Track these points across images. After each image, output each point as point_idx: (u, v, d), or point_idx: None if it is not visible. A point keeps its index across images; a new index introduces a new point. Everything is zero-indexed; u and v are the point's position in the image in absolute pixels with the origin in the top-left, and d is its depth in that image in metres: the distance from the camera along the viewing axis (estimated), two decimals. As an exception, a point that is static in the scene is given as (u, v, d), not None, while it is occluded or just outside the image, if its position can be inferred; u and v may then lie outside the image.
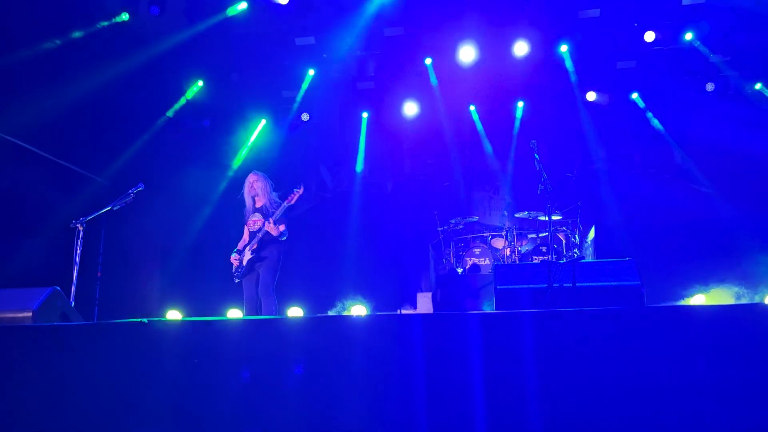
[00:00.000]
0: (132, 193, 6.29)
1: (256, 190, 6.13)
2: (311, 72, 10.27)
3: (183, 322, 3.21)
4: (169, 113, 9.96)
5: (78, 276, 5.67)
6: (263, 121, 11.08)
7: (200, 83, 10.18)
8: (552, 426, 2.39)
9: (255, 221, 6.09)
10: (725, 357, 2.52)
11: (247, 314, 5.98)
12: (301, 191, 6.08)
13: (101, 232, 9.33)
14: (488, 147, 11.59)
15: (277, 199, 6.13)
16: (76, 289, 5.61)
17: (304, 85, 10.34)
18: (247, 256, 6.00)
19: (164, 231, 9.66)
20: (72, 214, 6.07)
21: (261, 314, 5.93)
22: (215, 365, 2.84)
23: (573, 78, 10.53)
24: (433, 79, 10.29)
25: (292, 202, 6.07)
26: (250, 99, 10.64)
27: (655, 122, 10.83)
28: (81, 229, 5.85)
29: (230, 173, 10.33)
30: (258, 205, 6.15)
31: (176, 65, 9.69)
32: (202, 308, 8.80)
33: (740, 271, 7.78)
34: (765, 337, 2.53)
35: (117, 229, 9.20)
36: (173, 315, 8.86)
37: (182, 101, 10.09)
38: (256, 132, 10.88)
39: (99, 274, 9.31)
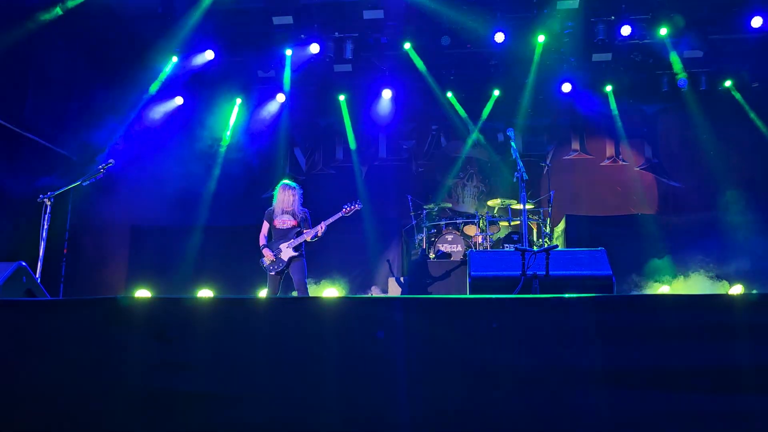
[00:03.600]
0: (102, 168, 6.13)
1: (296, 202, 6.62)
2: (288, 52, 10.12)
3: (154, 300, 3.16)
4: (153, 89, 9.78)
5: (44, 252, 5.53)
6: (239, 101, 10.94)
7: (174, 59, 9.96)
8: (526, 412, 2.42)
9: (285, 221, 6.55)
10: (689, 345, 2.55)
11: None
12: (359, 207, 6.68)
13: (69, 208, 9.17)
14: (462, 134, 11.62)
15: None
16: (43, 265, 5.47)
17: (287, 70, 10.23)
18: (287, 252, 6.44)
19: (134, 208, 9.48)
20: (39, 188, 5.90)
21: None
22: (187, 345, 2.80)
23: (549, 68, 10.62)
24: (419, 63, 10.24)
25: (348, 214, 6.63)
26: (225, 77, 10.47)
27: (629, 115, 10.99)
28: (48, 203, 5.70)
29: (205, 150, 10.18)
30: (288, 208, 6.60)
31: (150, 41, 9.46)
32: (171, 288, 8.71)
33: (708, 262, 7.97)
34: (728, 327, 2.56)
35: (85, 205, 9.05)
36: (142, 294, 8.74)
37: (159, 79, 9.88)
38: (234, 114, 10.73)
39: (65, 251, 9.16)
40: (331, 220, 6.52)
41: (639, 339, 2.53)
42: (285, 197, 6.62)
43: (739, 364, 2.50)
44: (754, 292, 7.29)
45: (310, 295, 6.61)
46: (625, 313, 2.53)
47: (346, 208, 6.62)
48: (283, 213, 6.59)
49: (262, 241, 6.64)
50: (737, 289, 7.59)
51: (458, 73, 10.90)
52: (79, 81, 9.14)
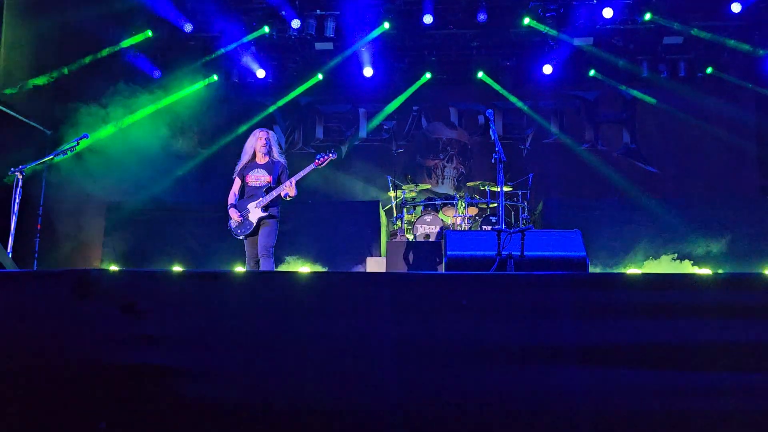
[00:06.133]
0: (76, 142, 5.99)
1: (270, 146, 5.84)
2: (266, 29, 10.00)
3: (124, 273, 3.13)
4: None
5: (16, 227, 5.42)
6: (215, 77, 10.83)
7: (149, 33, 9.79)
8: (498, 390, 2.44)
9: (258, 176, 5.78)
10: (654, 323, 2.57)
11: None
12: (333, 158, 5.89)
13: (42, 183, 9.01)
14: (443, 115, 11.63)
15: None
16: (14, 240, 5.37)
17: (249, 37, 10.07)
18: (256, 213, 5.69)
19: (109, 184, 9.33)
20: (11, 162, 5.76)
21: None
22: (159, 318, 2.77)
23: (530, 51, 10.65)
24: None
25: (322, 165, 5.87)
26: (204, 52, 10.34)
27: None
28: (20, 177, 5.56)
29: (181, 127, 10.05)
30: (262, 161, 5.83)
31: (125, 12, 9.29)
32: (146, 265, 8.63)
33: (680, 246, 8.10)
34: (691, 305, 2.59)
35: (59, 180, 8.90)
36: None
37: (123, 45, 9.66)
38: (193, 87, 10.54)
39: (39, 226, 9.01)
40: (301, 174, 5.72)
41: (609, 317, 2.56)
42: (259, 143, 5.78)
43: (707, 341, 2.54)
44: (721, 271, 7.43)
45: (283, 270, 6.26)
46: (593, 291, 2.56)
47: (319, 159, 5.84)
48: (256, 167, 5.80)
49: (231, 199, 5.85)
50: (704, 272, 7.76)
51: (439, 54, 10.87)
52: (56, 54, 8.93)
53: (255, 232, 5.70)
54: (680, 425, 2.37)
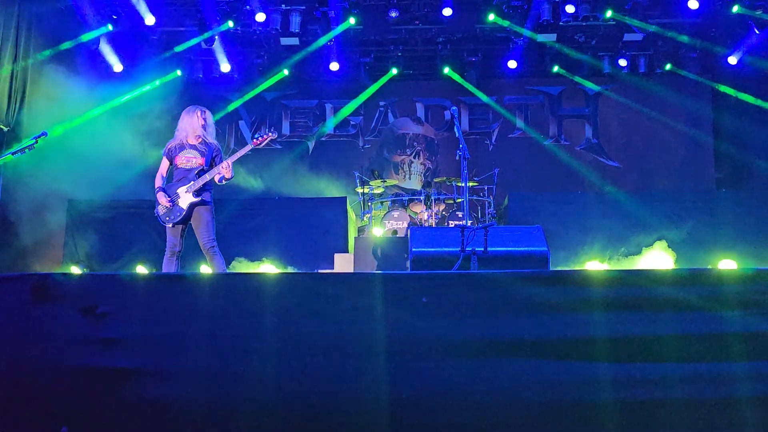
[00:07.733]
0: (35, 141, 5.84)
1: (206, 126, 5.33)
2: (230, 23, 9.90)
3: (85, 276, 3.09)
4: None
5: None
6: (178, 73, 10.68)
7: (110, 27, 9.60)
8: (457, 382, 2.50)
9: (189, 158, 5.27)
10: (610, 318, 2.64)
11: (168, 264, 5.30)
12: (274, 136, 5.52)
13: (-1, 181, 8.79)
14: (409, 110, 11.68)
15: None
16: (-30, 240, 5.24)
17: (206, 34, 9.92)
18: (186, 198, 5.19)
19: (71, 180, 9.14)
20: (-34, 161, 5.61)
21: (211, 269, 5.36)
22: (121, 321, 2.76)
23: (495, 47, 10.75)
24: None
25: (260, 145, 5.48)
26: (166, 46, 10.19)
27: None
28: (-23, 176, 5.44)
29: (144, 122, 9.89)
30: (194, 141, 5.32)
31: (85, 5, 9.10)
32: (109, 267, 8.51)
33: (640, 239, 8.30)
34: (646, 300, 2.66)
35: (17, 177, 8.70)
36: (76, 271, 8.50)
37: (83, 38, 9.43)
38: (156, 82, 10.36)
39: (-4, 227, 8.79)
40: (238, 154, 5.32)
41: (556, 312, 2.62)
42: (191, 122, 5.25)
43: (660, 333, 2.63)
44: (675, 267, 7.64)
45: (245, 271, 5.99)
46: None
47: (256, 139, 5.43)
48: (187, 148, 5.28)
49: (158, 182, 5.33)
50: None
51: (406, 49, 10.91)
52: (10, 45, 8.71)
53: (184, 219, 5.23)
54: (635, 413, 2.46)
